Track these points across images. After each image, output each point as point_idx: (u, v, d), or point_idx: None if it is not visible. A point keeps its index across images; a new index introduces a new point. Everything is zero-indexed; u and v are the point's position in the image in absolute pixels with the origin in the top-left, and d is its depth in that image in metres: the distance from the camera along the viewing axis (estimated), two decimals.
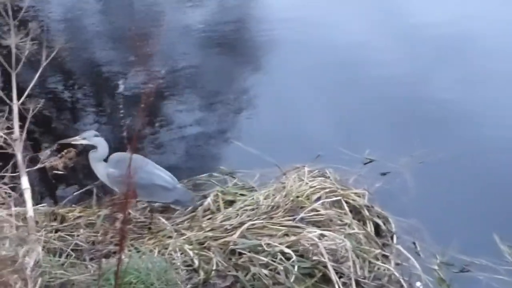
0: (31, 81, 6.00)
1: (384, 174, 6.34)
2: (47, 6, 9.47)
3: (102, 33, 9.22)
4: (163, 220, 5.50)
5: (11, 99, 5.75)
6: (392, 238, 5.57)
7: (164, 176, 5.48)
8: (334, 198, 5.59)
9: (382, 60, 8.74)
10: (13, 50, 5.88)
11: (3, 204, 5.30)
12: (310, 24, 9.76)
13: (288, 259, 4.78)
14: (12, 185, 5.53)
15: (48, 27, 6.18)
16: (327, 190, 5.67)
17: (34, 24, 6.04)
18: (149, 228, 5.45)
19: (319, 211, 5.37)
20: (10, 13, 5.91)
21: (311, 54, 8.95)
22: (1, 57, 6.02)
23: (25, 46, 5.87)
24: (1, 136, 5.43)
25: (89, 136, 5.56)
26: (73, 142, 5.66)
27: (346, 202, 5.59)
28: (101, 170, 5.52)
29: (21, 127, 5.65)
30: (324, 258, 4.79)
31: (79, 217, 5.60)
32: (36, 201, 5.37)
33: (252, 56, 9.19)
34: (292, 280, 4.63)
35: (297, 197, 5.50)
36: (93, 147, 5.54)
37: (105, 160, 5.54)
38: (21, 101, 5.73)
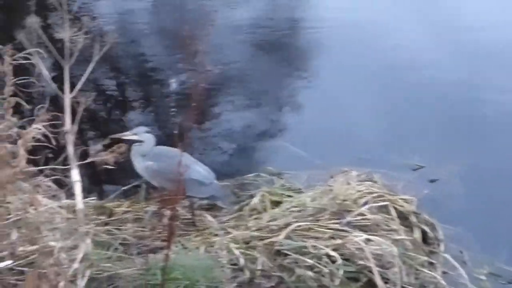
0: (82, 75, 6.10)
1: (433, 181, 6.27)
2: (100, 2, 9.57)
3: (152, 30, 9.29)
4: (209, 217, 5.53)
5: (63, 92, 5.85)
6: (439, 245, 5.49)
7: (201, 171, 5.50)
8: (382, 203, 5.53)
9: (432, 62, 8.65)
10: (67, 44, 5.97)
11: (54, 196, 5.38)
12: (359, 25, 9.70)
13: (334, 262, 4.75)
14: (62, 177, 5.64)
15: (100, 22, 6.24)
16: (374, 194, 5.61)
17: (87, 18, 6.13)
18: (194, 225, 5.48)
19: (366, 215, 5.31)
20: (64, 7, 6.01)
21: (360, 55, 8.90)
22: (55, 50, 6.13)
23: (78, 40, 5.97)
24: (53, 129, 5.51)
25: (140, 132, 5.62)
26: (123, 137, 5.73)
27: (394, 208, 5.52)
28: (140, 163, 5.58)
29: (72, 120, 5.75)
30: (370, 263, 4.75)
31: (127, 211, 5.67)
32: (85, 194, 5.43)
33: (300, 56, 9.17)
34: (337, 283, 4.61)
35: (344, 200, 5.46)
36: (139, 141, 5.60)
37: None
38: (73, 94, 5.82)
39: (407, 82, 8.32)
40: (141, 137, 5.60)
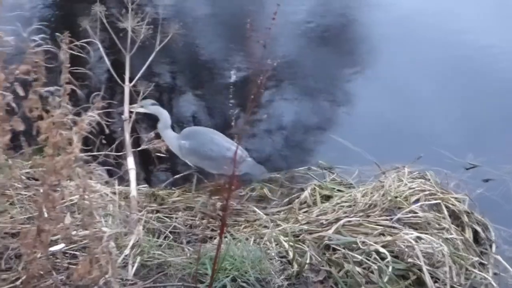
0: (141, 65, 6.17)
1: (486, 180, 6.18)
2: None
3: (212, 22, 9.31)
4: (258, 210, 5.56)
5: (123, 81, 5.95)
6: (491, 246, 5.42)
7: (234, 149, 5.51)
8: (433, 201, 5.48)
9: (490, 58, 8.47)
10: (129, 34, 6.06)
11: (107, 182, 5.47)
12: (415, 16, 9.52)
13: (383, 259, 4.71)
14: (116, 164, 5.74)
15: (161, 12, 6.30)
16: (426, 192, 5.56)
17: (150, 9, 6.21)
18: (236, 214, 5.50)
19: (417, 213, 5.27)
20: None
21: (416, 49, 8.75)
22: (117, 40, 6.22)
23: (141, 30, 6.05)
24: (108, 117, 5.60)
25: (146, 104, 5.70)
26: (132, 110, 5.79)
27: (445, 206, 5.46)
28: (173, 141, 5.66)
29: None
30: (420, 261, 4.70)
31: (178, 200, 5.73)
32: (137, 181, 5.51)
33: (355, 49, 9.07)
34: (385, 280, 4.56)
35: (396, 197, 5.42)
36: (157, 118, 5.65)
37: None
38: (133, 83, 5.91)
39: (467, 76, 8.17)
40: (147, 110, 5.68)
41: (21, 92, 2.76)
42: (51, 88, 2.75)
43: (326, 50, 9.09)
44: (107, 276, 2.96)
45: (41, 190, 2.90)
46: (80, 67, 3.03)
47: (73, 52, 2.80)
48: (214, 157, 5.51)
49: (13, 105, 2.81)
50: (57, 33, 2.82)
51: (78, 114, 2.90)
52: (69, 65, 2.79)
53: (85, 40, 2.81)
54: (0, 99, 2.70)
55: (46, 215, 2.92)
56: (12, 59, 2.84)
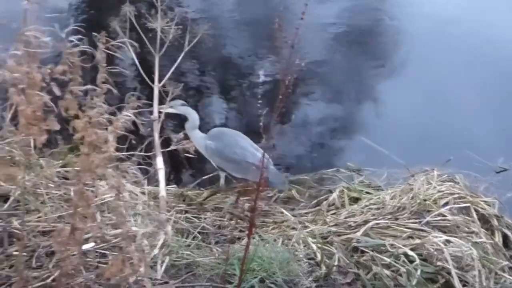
0: (170, 65, 6.21)
1: None
2: None
3: (240, 23, 9.32)
4: (285, 212, 5.56)
5: (152, 81, 5.98)
6: None
7: (258, 155, 5.53)
8: (463, 205, 5.44)
9: None
10: (159, 34, 6.10)
11: (136, 181, 5.51)
12: (445, 19, 9.48)
13: (411, 262, 4.68)
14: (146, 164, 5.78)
15: (190, 12, 6.36)
16: (455, 195, 5.52)
17: (179, 9, 6.25)
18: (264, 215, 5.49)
19: (446, 216, 5.23)
20: None
21: (447, 52, 8.73)
22: (147, 40, 6.26)
23: (170, 30, 6.09)
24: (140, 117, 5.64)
25: (176, 105, 5.72)
26: (161, 110, 5.82)
27: (475, 210, 5.41)
28: (200, 141, 5.68)
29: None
30: (449, 265, 4.66)
31: (207, 200, 5.76)
32: (166, 181, 5.53)
33: (383, 52, 9.06)
34: (414, 283, 4.53)
35: (424, 200, 5.39)
36: (185, 118, 5.67)
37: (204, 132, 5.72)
38: (162, 83, 5.95)
39: (500, 79, 8.11)
40: (176, 110, 5.70)
41: (57, 92, 2.80)
42: (87, 88, 2.79)
43: (355, 51, 9.08)
44: (139, 274, 2.98)
45: (76, 189, 2.93)
46: (114, 67, 3.05)
47: (109, 52, 2.83)
48: (237, 160, 5.53)
49: (50, 104, 2.84)
50: (93, 33, 2.85)
51: (113, 113, 2.93)
52: (105, 64, 2.83)
53: (121, 40, 2.83)
54: (38, 100, 2.73)
55: (79, 213, 2.95)
56: (50, 59, 2.88)
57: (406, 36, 9.17)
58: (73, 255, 3.02)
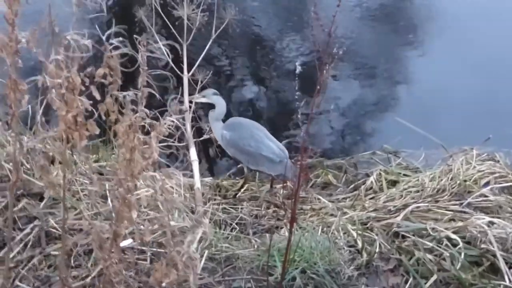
0: (199, 53, 6.13)
1: None
2: None
3: (268, 8, 9.17)
4: (323, 199, 5.48)
5: (181, 70, 5.92)
6: None
7: (273, 147, 5.44)
8: (505, 184, 5.32)
9: None
10: (185, 22, 6.02)
11: (172, 173, 5.47)
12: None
13: (454, 245, 4.57)
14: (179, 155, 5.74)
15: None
16: (496, 175, 5.40)
17: None
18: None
19: (487, 196, 5.11)
20: None
21: (483, 26, 8.49)
22: (173, 28, 6.19)
23: (196, 17, 6.01)
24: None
25: (208, 94, 5.64)
26: (193, 100, 5.74)
27: None
28: (218, 130, 5.60)
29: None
30: (493, 247, 4.55)
31: (242, 190, 5.71)
32: (201, 171, 5.48)
33: (413, 30, 8.87)
34: (458, 267, 4.44)
35: (465, 181, 5.27)
36: (213, 106, 5.59)
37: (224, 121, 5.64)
38: (191, 72, 5.88)
39: None
40: (209, 99, 5.62)
41: (97, 96, 2.75)
42: (128, 92, 2.74)
43: (386, 29, 8.92)
44: (188, 283, 2.93)
45: (117, 195, 2.89)
46: (155, 69, 2.99)
47: (150, 55, 2.77)
48: (251, 152, 5.45)
49: (91, 109, 2.80)
50: (135, 36, 2.79)
51: (154, 118, 2.88)
52: (146, 67, 2.77)
53: (166, 42, 2.78)
54: (78, 104, 2.69)
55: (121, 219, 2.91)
56: (90, 63, 2.83)
57: (439, 13, 8.96)
58: (116, 262, 2.98)
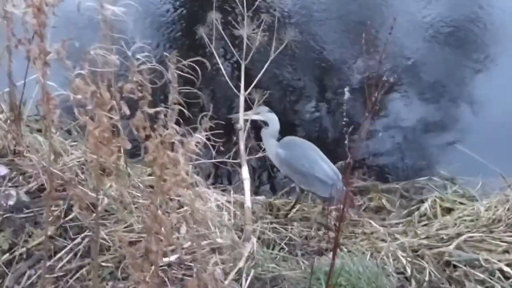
0: (258, 72, 6.16)
1: None
2: None
3: (333, 27, 9.11)
4: (374, 223, 5.43)
5: (239, 89, 5.95)
6: None
7: (326, 169, 5.38)
8: None
9: None
10: (245, 41, 6.07)
11: (223, 190, 5.51)
12: None
13: (507, 278, 4.47)
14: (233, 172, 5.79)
15: (279, 18, 6.27)
16: None
17: (266, 15, 6.18)
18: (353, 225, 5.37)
19: None
20: (244, 3, 6.10)
21: None
22: (233, 48, 6.24)
23: (256, 37, 6.05)
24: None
25: (263, 111, 5.60)
26: (246, 117, 5.73)
27: None
28: (272, 148, 5.56)
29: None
30: None
31: (294, 210, 5.69)
32: (253, 188, 5.49)
33: (483, 51, 8.66)
34: None
35: None
36: (266, 124, 5.57)
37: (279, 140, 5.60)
38: (248, 91, 5.91)
39: None
40: (263, 117, 5.58)
41: (127, 111, 2.78)
42: (160, 108, 2.76)
43: (453, 51, 8.75)
44: None
45: (149, 211, 2.92)
46: (190, 86, 3.01)
47: (182, 73, 2.80)
48: (304, 173, 5.41)
49: (120, 124, 2.84)
50: (165, 53, 2.82)
51: (185, 135, 2.89)
52: (177, 84, 2.79)
53: (193, 59, 2.78)
54: (106, 120, 2.73)
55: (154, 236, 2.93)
56: (118, 78, 2.87)
57: (503, 34, 8.76)
58: (150, 277, 3.01)
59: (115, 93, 2.68)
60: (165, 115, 2.76)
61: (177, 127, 2.79)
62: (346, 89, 7.51)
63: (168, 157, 2.73)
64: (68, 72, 2.67)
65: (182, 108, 2.77)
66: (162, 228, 2.89)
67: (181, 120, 2.82)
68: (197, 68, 2.95)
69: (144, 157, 2.92)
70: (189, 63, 2.70)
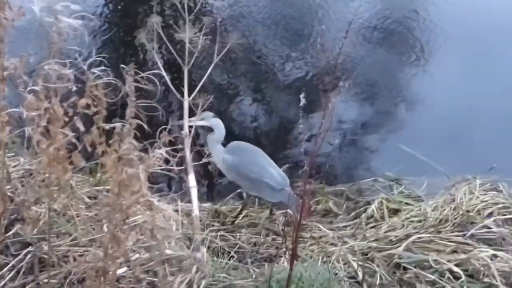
0: (200, 76, 6.06)
1: None
2: (221, 2, 9.33)
3: (272, 31, 9.05)
4: (323, 228, 5.39)
5: (182, 94, 5.84)
6: None
7: (274, 175, 5.35)
8: (508, 216, 5.21)
9: None
10: (187, 45, 5.96)
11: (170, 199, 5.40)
12: (480, 19, 9.16)
13: (457, 278, 4.49)
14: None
15: (220, 22, 6.18)
16: (500, 205, 5.31)
17: (207, 19, 6.09)
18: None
19: (491, 228, 5.02)
20: (185, 7, 5.99)
21: (482, 49, 8.38)
22: (175, 52, 6.12)
23: (198, 41, 5.95)
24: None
25: (208, 117, 5.52)
26: (190, 124, 5.64)
27: None
28: (219, 154, 5.49)
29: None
30: (496, 281, 4.46)
31: (241, 216, 5.61)
32: (198, 195, 5.38)
33: (416, 52, 8.74)
34: None
35: (467, 211, 5.18)
36: (211, 129, 5.50)
37: (224, 145, 5.53)
38: (191, 96, 5.80)
39: None
40: (208, 122, 5.50)
41: (81, 127, 2.65)
42: (115, 123, 2.64)
43: (386, 53, 8.79)
44: None
45: (106, 230, 2.80)
46: (144, 99, 2.90)
47: (138, 85, 2.68)
48: (253, 178, 5.36)
49: (74, 141, 2.70)
50: (121, 65, 2.71)
51: (144, 149, 2.78)
52: (134, 98, 2.67)
53: (151, 72, 2.68)
54: (60, 137, 2.60)
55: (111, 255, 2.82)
56: (73, 94, 2.74)
57: (441, 33, 8.86)
58: None
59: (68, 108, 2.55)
60: (121, 130, 2.64)
61: (135, 142, 2.68)
62: (301, 96, 7.46)
63: (127, 174, 2.61)
64: (19, 89, 2.53)
65: (141, 122, 2.66)
66: (120, 248, 2.76)
67: (138, 134, 2.71)
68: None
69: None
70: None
